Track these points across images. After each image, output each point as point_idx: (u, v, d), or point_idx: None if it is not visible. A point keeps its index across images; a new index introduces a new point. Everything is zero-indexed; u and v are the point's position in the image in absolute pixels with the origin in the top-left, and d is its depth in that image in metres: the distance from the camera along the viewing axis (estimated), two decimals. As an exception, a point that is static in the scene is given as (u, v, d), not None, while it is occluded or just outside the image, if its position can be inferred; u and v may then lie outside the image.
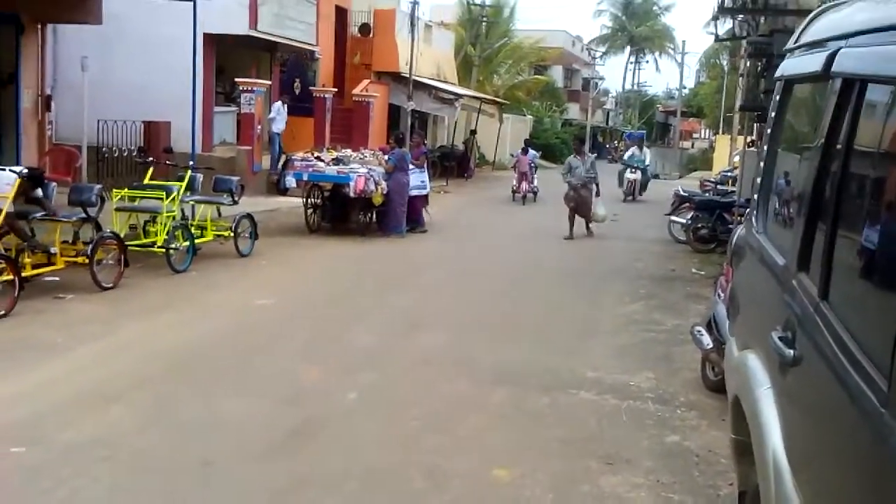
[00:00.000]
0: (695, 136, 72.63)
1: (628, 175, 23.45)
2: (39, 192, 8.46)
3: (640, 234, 16.21)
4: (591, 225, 15.36)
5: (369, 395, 5.97)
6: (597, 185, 15.35)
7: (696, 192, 17.79)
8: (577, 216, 15.06)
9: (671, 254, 14.15)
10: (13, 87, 12.70)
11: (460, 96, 27.99)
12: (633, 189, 23.27)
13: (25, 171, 8.37)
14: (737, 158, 27.02)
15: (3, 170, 8.32)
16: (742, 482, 3.21)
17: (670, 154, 45.53)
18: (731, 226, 14.32)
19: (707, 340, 6.37)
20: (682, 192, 15.95)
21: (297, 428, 5.24)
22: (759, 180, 3.08)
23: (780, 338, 2.25)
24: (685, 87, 56.47)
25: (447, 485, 4.54)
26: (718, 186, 20.67)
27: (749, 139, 18.24)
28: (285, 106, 18.83)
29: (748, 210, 3.15)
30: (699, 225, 14.45)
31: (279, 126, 18.67)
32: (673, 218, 15.47)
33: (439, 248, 13.50)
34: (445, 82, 27.07)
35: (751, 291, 3.04)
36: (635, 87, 71.98)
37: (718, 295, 6.49)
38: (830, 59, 2.31)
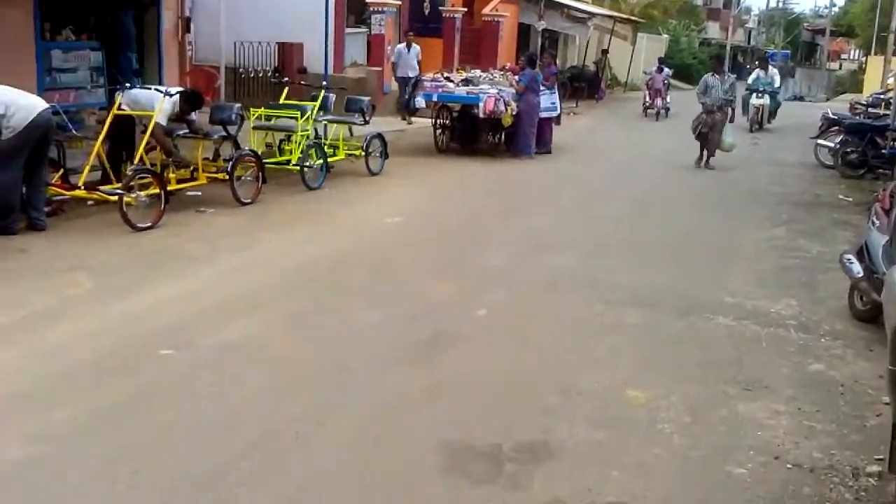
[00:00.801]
0: (843, 56, 67.98)
1: (754, 101, 20.13)
2: (195, 114, 8.73)
3: (780, 158, 15.40)
4: (712, 156, 13.59)
5: (500, 313, 5.97)
6: (732, 109, 13.91)
7: (847, 115, 16.75)
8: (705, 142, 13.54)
9: (816, 179, 13.46)
10: (155, 9, 13.07)
11: (593, 15, 27.03)
12: (761, 116, 20.17)
13: (181, 91, 8.60)
14: (891, 80, 25.23)
15: (150, 89, 8.62)
16: (899, 413, 3.02)
17: (817, 76, 42.84)
18: (883, 151, 13.44)
19: (857, 269, 6.03)
20: (831, 115, 15.05)
21: (430, 341, 5.30)
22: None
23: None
24: (835, 5, 52.72)
25: (580, 402, 4.51)
26: (870, 109, 19.40)
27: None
28: (412, 48, 16.46)
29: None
30: (849, 149, 13.62)
31: (404, 71, 16.31)
32: (820, 142, 14.65)
33: (569, 170, 13.29)
34: (578, 0, 26.18)
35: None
36: (780, 4, 67.67)
37: (872, 222, 6.10)
38: None
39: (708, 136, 13.42)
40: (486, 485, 3.61)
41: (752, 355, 5.35)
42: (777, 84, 21.22)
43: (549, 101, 14.37)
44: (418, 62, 16.41)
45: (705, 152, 13.62)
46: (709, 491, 3.69)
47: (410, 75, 16.05)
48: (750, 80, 20.98)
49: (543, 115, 14.07)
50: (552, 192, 11.41)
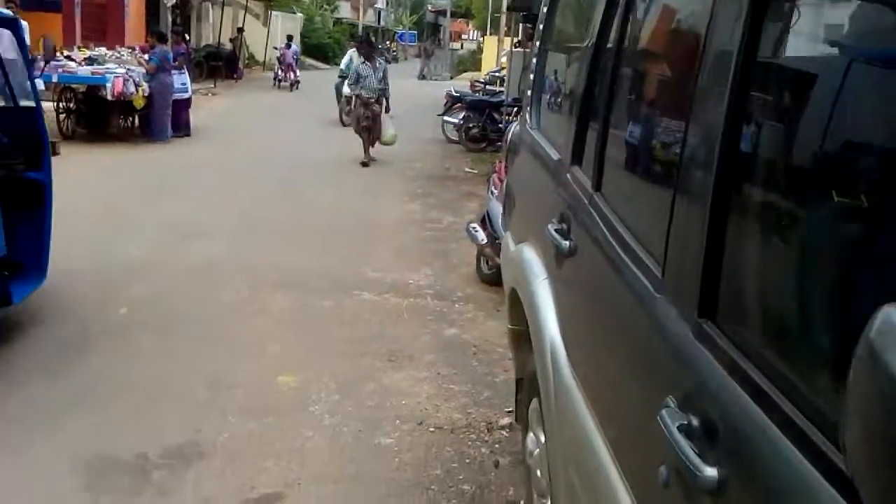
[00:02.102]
0: (464, 37, 73.60)
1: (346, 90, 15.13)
2: None
3: (413, 135, 16.27)
4: (371, 150, 12.58)
5: (144, 308, 5.67)
6: (387, 98, 12.50)
7: (468, 92, 18.11)
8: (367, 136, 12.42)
9: (445, 153, 14.42)
10: None
11: (224, -9, 26.44)
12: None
13: None
14: (504, 59, 27.84)
15: None
16: (519, 370, 3.37)
17: (441, 55, 45.88)
18: (500, 125, 14.76)
19: (481, 236, 6.58)
20: (454, 93, 16.17)
21: (64, 347, 4.88)
22: (531, 77, 3.14)
23: (556, 230, 2.32)
24: (453, -12, 56.77)
25: (231, 395, 4.44)
26: (487, 87, 21.19)
27: (516, 40, 18.60)
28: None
29: (522, 107, 3.20)
30: (471, 125, 14.78)
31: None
32: (446, 118, 15.69)
33: (210, 154, 12.88)
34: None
35: (526, 187, 3.13)
36: (406, -15, 71.43)
37: (491, 192, 6.70)
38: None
39: (370, 129, 12.42)
40: (132, 497, 3.43)
41: (394, 328, 5.65)
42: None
43: (179, 81, 13.79)
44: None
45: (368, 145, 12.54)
46: (360, 464, 3.84)
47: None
48: (342, 64, 16.28)
49: (177, 96, 13.50)
50: (194, 176, 11.00)
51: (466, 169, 12.78)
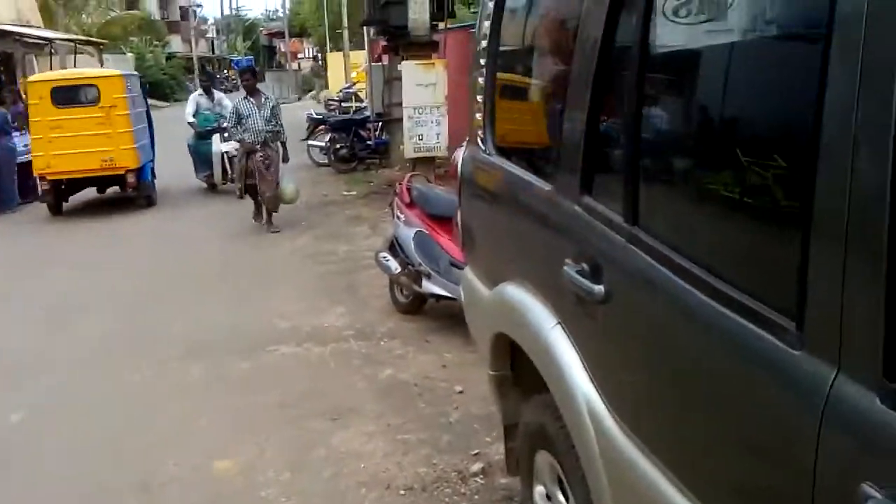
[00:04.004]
0: (300, 56, 72.62)
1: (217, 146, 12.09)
2: None
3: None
4: (275, 212, 9.77)
5: (40, 410, 4.97)
6: (283, 143, 9.70)
7: (331, 113, 17.73)
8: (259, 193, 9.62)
9: (317, 179, 13.92)
10: None
11: (51, 40, 24.80)
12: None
13: None
14: (354, 74, 27.49)
15: None
16: (508, 416, 3.05)
17: (285, 77, 44.96)
18: (369, 142, 14.46)
19: (394, 265, 6.24)
20: (315, 116, 15.76)
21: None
22: (479, 97, 2.81)
23: (578, 272, 2.00)
24: (286, 8, 55.83)
25: (166, 495, 3.90)
26: (343, 104, 20.85)
27: (376, 55, 18.15)
28: None
29: (472, 131, 2.88)
30: (338, 146, 14.39)
31: None
32: (311, 142, 15.24)
33: (73, 217, 11.89)
34: (29, 26, 23.80)
35: (497, 222, 2.80)
36: (234, 11, 69.87)
37: (398, 217, 6.35)
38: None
39: (259, 186, 9.43)
40: None
41: (325, 380, 5.21)
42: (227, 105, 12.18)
43: (22, 143, 12.66)
44: None
45: (263, 208, 9.80)
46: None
47: None
48: (189, 110, 12.73)
49: (22, 159, 12.38)
50: (60, 245, 10.08)
51: (344, 192, 12.36)
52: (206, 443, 4.40)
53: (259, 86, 10.16)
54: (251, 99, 9.44)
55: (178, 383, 5.26)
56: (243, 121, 9.34)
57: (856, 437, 1.20)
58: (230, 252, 8.93)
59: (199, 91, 13.11)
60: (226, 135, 11.05)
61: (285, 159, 9.79)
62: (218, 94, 13.12)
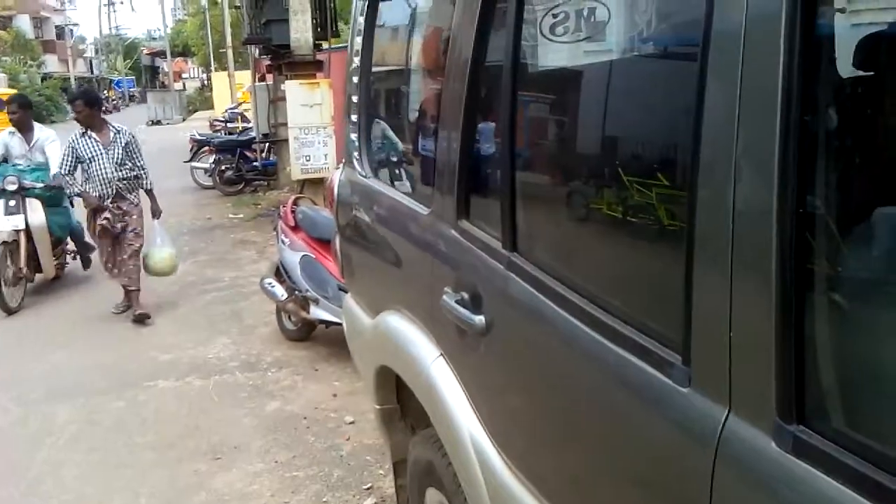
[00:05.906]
0: (184, 76, 70.90)
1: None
2: None
3: (162, 186, 15.04)
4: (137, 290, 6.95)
5: None
6: (150, 191, 6.91)
7: (215, 135, 17.25)
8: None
9: (202, 202, 13.48)
10: None
11: None
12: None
13: None
14: (240, 95, 26.87)
15: None
16: (396, 452, 2.90)
17: (169, 97, 43.54)
18: (255, 164, 14.10)
19: (280, 291, 6.01)
20: (198, 137, 15.26)
21: None
22: (354, 117, 2.66)
23: (457, 302, 1.88)
24: (167, 27, 54.42)
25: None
26: (229, 125, 20.31)
27: (260, 74, 17.73)
28: None
29: (347, 151, 2.73)
30: (223, 167, 13.98)
31: None
32: (195, 164, 14.75)
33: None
34: None
35: (374, 247, 2.65)
36: (114, 31, 67.62)
37: (282, 241, 6.12)
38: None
39: (108, 258, 6.92)
40: None
41: (207, 416, 4.93)
42: (51, 155, 7.59)
43: None
44: None
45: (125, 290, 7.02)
46: None
47: None
48: None
49: None
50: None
51: (230, 215, 11.98)
52: (77, 494, 4.06)
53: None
54: (93, 135, 6.62)
55: (45, 428, 4.84)
56: (84, 166, 6.64)
57: (752, 485, 1.11)
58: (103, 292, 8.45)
59: (10, 129, 7.74)
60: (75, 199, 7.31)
61: (156, 213, 6.91)
62: (41, 132, 7.83)
